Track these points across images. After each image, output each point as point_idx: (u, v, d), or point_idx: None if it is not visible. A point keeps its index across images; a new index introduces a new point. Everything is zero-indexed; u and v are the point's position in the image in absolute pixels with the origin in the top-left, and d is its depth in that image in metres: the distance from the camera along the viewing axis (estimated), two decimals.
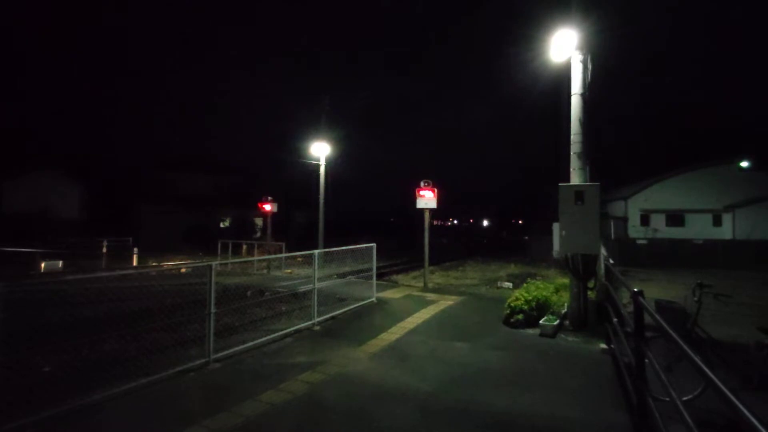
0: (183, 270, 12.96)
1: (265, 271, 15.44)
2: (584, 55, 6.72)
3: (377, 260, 9.50)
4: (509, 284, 12.43)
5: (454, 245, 37.09)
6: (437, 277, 15.06)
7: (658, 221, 26.00)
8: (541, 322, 6.49)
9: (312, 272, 7.17)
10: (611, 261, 6.74)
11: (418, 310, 8.01)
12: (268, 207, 18.41)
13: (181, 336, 5.86)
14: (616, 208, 27.67)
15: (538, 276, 13.33)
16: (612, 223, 23.70)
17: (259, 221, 31.68)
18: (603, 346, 5.72)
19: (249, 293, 10.26)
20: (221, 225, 32.45)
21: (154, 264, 18.50)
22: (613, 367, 4.99)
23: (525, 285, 8.23)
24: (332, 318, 7.28)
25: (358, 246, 9.57)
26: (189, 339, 5.68)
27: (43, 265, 14.89)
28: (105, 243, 17.41)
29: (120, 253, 18.13)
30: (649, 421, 3.08)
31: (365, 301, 8.45)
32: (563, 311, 7.01)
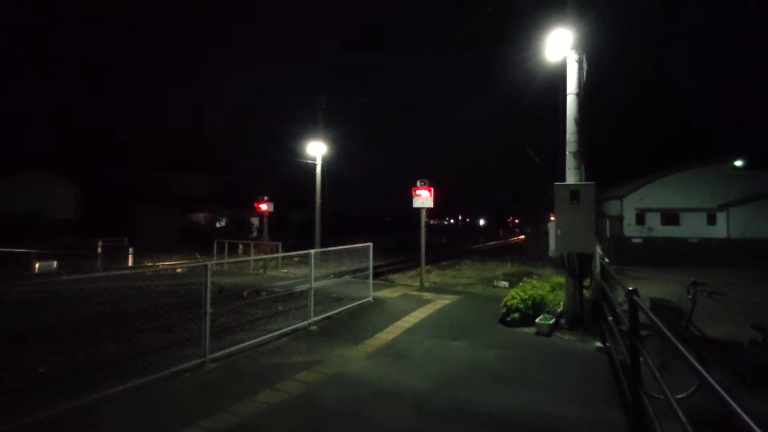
0: (179, 270, 12.92)
1: (261, 270, 15.40)
2: (579, 54, 6.74)
3: (374, 259, 9.50)
4: (505, 283, 12.45)
5: (450, 244, 37.16)
6: (434, 277, 15.08)
7: (654, 220, 26.14)
8: (537, 320, 6.51)
9: (308, 272, 7.16)
10: (606, 260, 6.77)
11: (415, 309, 8.02)
12: (264, 206, 18.37)
13: (177, 336, 5.83)
14: (612, 207, 27.80)
15: (535, 275, 13.36)
16: (607, 222, 23.80)
17: (255, 221, 31.61)
18: (598, 344, 5.75)
19: (245, 293, 10.23)
20: (217, 225, 32.34)
21: (149, 264, 18.42)
22: (609, 365, 5.02)
23: (521, 284, 8.24)
24: (329, 317, 7.28)
25: (354, 245, 9.57)
26: (185, 339, 5.66)
27: (37, 265, 14.80)
28: (100, 243, 17.30)
29: (115, 254, 18.03)
30: (644, 418, 3.10)
31: (362, 301, 8.45)
32: (559, 310, 7.03)
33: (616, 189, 29.60)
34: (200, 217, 31.37)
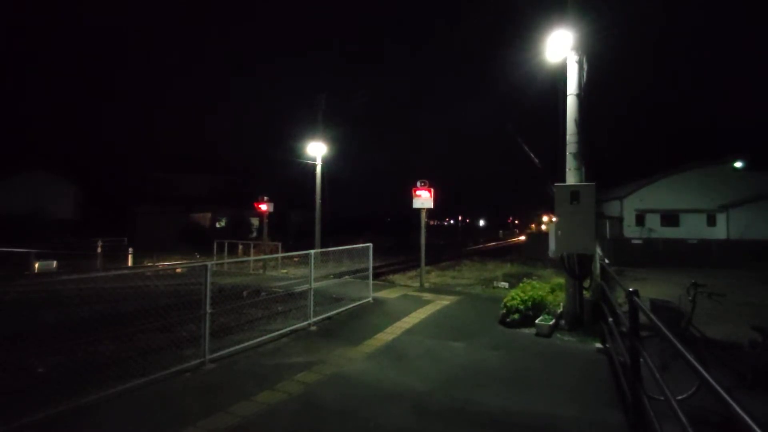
0: (179, 270, 12.89)
1: (261, 271, 15.39)
2: (580, 55, 6.74)
3: (373, 260, 9.50)
4: (505, 284, 12.44)
5: (450, 245, 37.15)
6: (433, 277, 15.07)
7: (653, 221, 26.16)
8: (536, 321, 6.51)
9: (308, 272, 7.16)
10: (606, 261, 6.77)
11: (415, 309, 8.01)
12: (264, 207, 18.35)
13: (177, 336, 5.83)
14: (612, 208, 27.82)
15: (534, 276, 13.34)
16: (607, 223, 23.83)
17: (255, 221, 31.59)
18: (598, 345, 5.75)
19: (245, 293, 10.23)
20: (217, 225, 32.33)
21: (149, 264, 18.41)
22: (609, 366, 5.01)
23: (521, 285, 8.24)
24: (328, 318, 7.27)
25: (354, 246, 9.57)
26: (184, 339, 5.66)
27: (37, 265, 14.80)
28: (100, 243, 17.30)
29: (115, 254, 18.03)
30: (644, 419, 3.09)
31: (361, 301, 8.44)
32: (559, 311, 7.03)
33: (616, 190, 29.63)
34: (200, 217, 31.35)
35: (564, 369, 5.05)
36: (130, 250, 18.03)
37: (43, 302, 7.84)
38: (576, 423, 3.69)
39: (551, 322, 6.44)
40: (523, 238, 41.74)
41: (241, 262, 16.20)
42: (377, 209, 62.16)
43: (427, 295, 9.55)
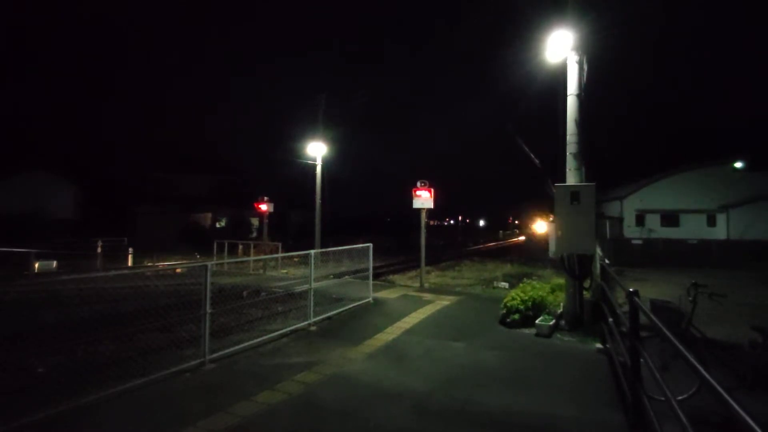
0: (178, 270, 12.90)
1: (261, 271, 15.38)
2: (580, 55, 6.74)
3: (373, 260, 9.49)
4: (505, 284, 12.44)
5: (450, 245, 37.15)
6: (433, 277, 15.06)
7: (654, 221, 26.14)
8: (537, 321, 6.51)
9: (308, 272, 7.16)
10: (606, 261, 6.76)
11: (415, 310, 8.01)
12: (264, 207, 18.36)
13: (177, 336, 5.84)
14: (612, 209, 27.80)
15: (535, 276, 13.33)
16: (607, 223, 23.79)
17: (255, 221, 31.58)
18: (598, 345, 5.75)
19: (245, 293, 10.23)
20: (217, 225, 32.32)
21: (149, 264, 18.40)
22: (609, 366, 5.01)
23: (521, 285, 8.24)
24: (328, 318, 7.27)
25: (354, 246, 9.57)
26: (184, 339, 5.66)
27: (37, 265, 14.78)
28: (100, 243, 17.29)
29: (115, 254, 18.01)
30: (644, 419, 3.09)
31: (361, 301, 8.44)
32: (559, 311, 7.03)
33: (616, 190, 29.61)
34: (200, 217, 31.34)
35: (564, 369, 5.05)
36: (130, 250, 18.02)
37: (43, 302, 7.84)
38: (576, 423, 3.69)
39: (551, 323, 6.43)
40: (523, 238, 41.75)
41: (241, 262, 16.19)
42: (377, 209, 62.16)
43: (427, 296, 9.54)
